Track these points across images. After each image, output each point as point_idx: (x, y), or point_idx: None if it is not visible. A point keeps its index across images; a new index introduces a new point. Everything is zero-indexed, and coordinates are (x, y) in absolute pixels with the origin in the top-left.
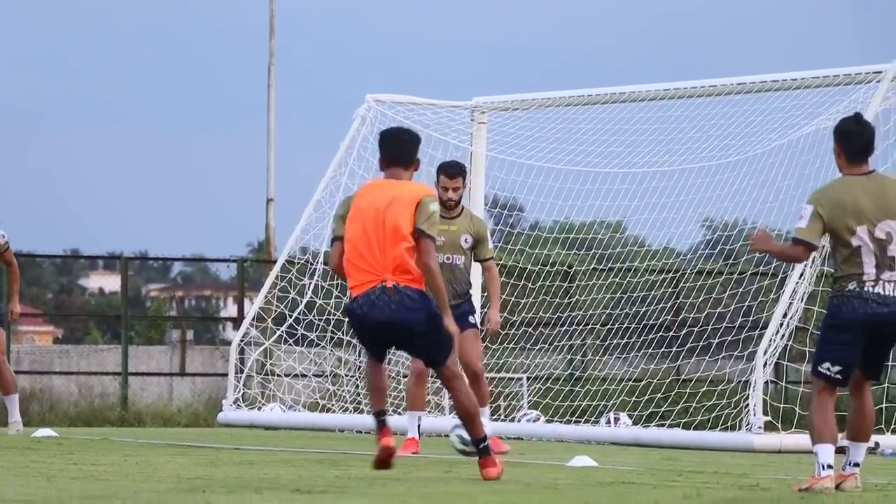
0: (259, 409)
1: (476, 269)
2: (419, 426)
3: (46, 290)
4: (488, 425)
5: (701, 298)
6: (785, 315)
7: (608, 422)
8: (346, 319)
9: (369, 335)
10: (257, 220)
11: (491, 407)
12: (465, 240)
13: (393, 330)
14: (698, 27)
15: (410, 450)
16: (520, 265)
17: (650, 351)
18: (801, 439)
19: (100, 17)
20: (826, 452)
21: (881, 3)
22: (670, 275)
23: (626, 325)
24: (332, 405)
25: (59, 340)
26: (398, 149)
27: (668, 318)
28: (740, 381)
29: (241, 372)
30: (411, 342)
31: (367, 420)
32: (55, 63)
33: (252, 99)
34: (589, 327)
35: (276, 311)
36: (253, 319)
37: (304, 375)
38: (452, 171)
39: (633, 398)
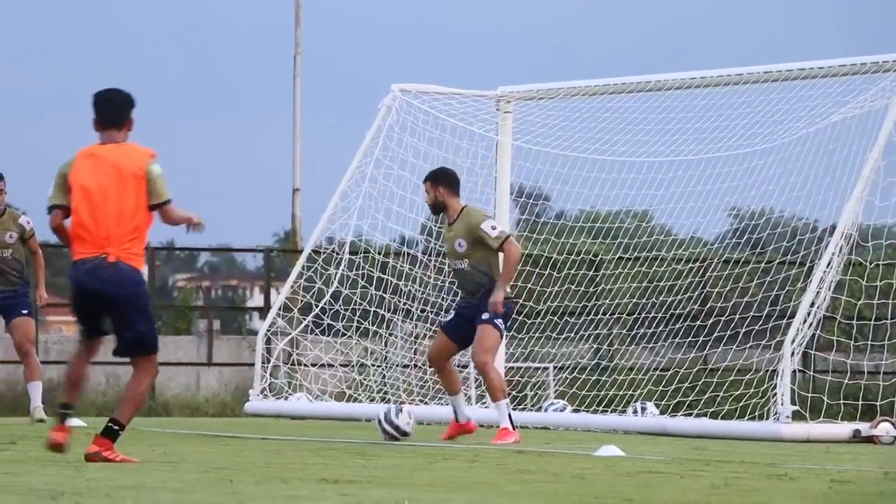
0: (286, 398)
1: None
2: (509, 415)
3: None
4: (464, 408)
5: (728, 287)
6: (812, 304)
7: (635, 411)
8: (373, 309)
9: (80, 302)
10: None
11: (517, 396)
12: (459, 244)
13: (102, 301)
14: (725, 16)
15: (511, 438)
16: (545, 254)
17: (677, 340)
18: (829, 429)
19: (124, 5)
20: None
21: None
22: (697, 264)
23: (652, 314)
24: (359, 395)
25: None
26: (111, 110)
27: (695, 307)
28: (768, 371)
29: (268, 362)
30: (120, 318)
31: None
32: (76, 51)
33: (278, 89)
34: (615, 317)
35: (302, 300)
36: (279, 309)
37: (330, 365)
38: (425, 177)
39: (660, 387)
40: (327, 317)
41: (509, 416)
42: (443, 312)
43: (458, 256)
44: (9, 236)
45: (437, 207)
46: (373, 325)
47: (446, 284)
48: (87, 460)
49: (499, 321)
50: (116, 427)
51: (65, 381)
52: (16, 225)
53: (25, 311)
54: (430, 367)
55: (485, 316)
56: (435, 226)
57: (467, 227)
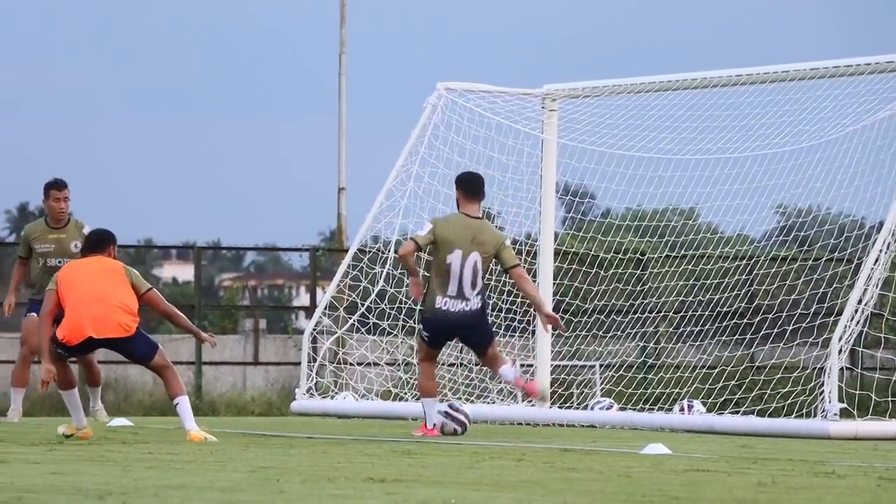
0: (332, 397)
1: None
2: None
3: None
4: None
5: (775, 285)
6: (860, 301)
7: (682, 409)
8: (418, 308)
9: None
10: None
11: (563, 395)
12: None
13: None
14: (770, 13)
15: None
16: (592, 253)
17: (724, 338)
18: (878, 426)
19: (176, 6)
20: None
21: None
22: (744, 261)
23: (699, 312)
24: (405, 393)
25: None
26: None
27: (742, 304)
28: (815, 368)
29: (314, 361)
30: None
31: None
32: (131, 51)
33: (324, 88)
34: (662, 314)
35: (348, 299)
36: (325, 308)
37: (376, 364)
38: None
39: (707, 385)
40: (373, 315)
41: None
42: (494, 312)
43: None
44: (73, 246)
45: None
46: (418, 324)
47: (492, 283)
48: None
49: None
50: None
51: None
52: (80, 235)
53: None
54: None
55: None
56: None
57: (494, 236)
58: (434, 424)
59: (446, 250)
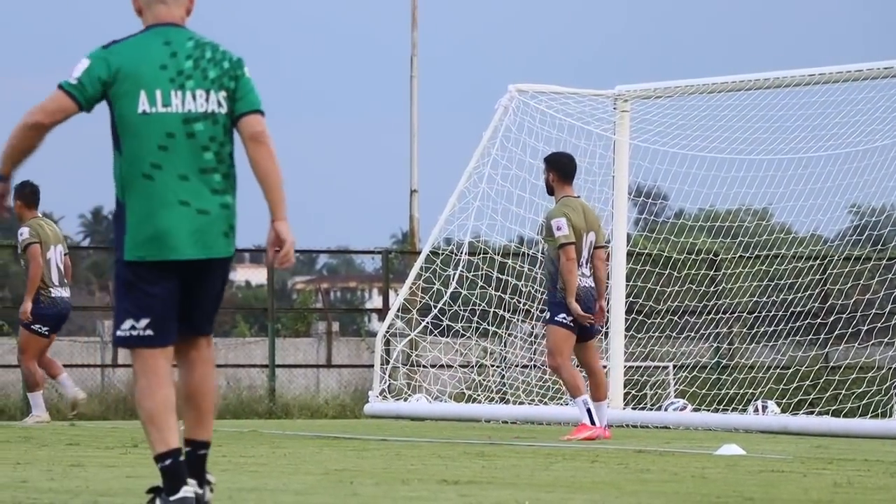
0: (405, 400)
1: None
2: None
3: None
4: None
5: (849, 285)
6: None
7: (756, 410)
8: (492, 310)
9: None
10: (401, 212)
11: (637, 396)
12: (541, 231)
13: None
14: (843, 11)
15: (586, 433)
16: (665, 254)
17: (798, 338)
18: None
19: (250, 6)
20: None
21: None
22: (817, 261)
23: (773, 312)
24: (478, 395)
25: None
26: None
27: (816, 305)
28: (890, 368)
29: (387, 363)
30: None
31: (514, 410)
32: None
33: (395, 90)
34: (735, 315)
35: (420, 301)
36: (398, 311)
37: (449, 366)
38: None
39: (782, 386)
40: (446, 318)
41: (588, 411)
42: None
43: (545, 242)
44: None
45: (549, 189)
46: (492, 326)
47: None
48: None
49: (561, 317)
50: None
51: None
52: None
53: None
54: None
55: (546, 315)
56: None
57: (547, 216)
58: (603, 423)
59: (579, 236)
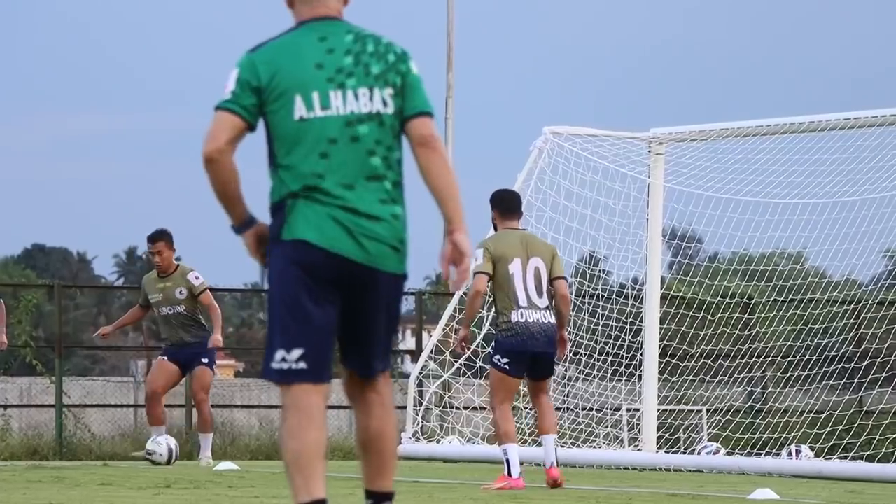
0: (438, 441)
1: None
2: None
3: (228, 323)
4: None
5: (883, 329)
6: None
7: (790, 454)
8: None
9: None
10: (435, 253)
11: (670, 439)
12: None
13: None
14: (879, 57)
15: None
16: (699, 297)
17: (832, 382)
18: None
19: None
20: None
21: None
22: (852, 306)
23: (807, 356)
24: None
25: (240, 374)
26: None
27: (850, 349)
28: None
29: (420, 405)
30: None
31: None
32: None
33: None
34: (769, 359)
35: (454, 344)
36: (431, 352)
37: (482, 408)
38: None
39: (815, 430)
40: (479, 359)
41: (507, 462)
42: (595, 354)
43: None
44: (178, 293)
45: (494, 226)
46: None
47: (599, 327)
48: None
49: (496, 358)
50: None
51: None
52: (185, 281)
53: (205, 361)
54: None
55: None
56: (588, 268)
57: None
58: (520, 474)
59: (505, 263)
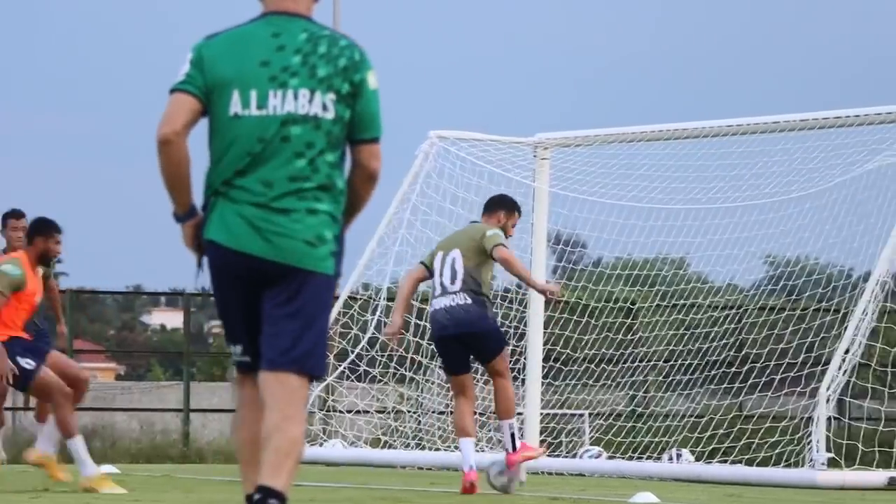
0: (321, 445)
1: None
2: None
3: (109, 326)
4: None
5: (763, 334)
6: (847, 351)
7: (670, 458)
8: (409, 356)
9: None
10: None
11: (553, 443)
12: None
13: None
14: (760, 64)
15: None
16: (582, 302)
17: (713, 387)
18: (865, 476)
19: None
20: None
21: None
22: (733, 311)
23: (688, 361)
24: (394, 441)
25: (121, 377)
26: None
27: (731, 354)
28: (803, 418)
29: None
30: None
31: (429, 456)
32: (137, 97)
33: None
34: (651, 364)
35: (338, 347)
36: None
37: (365, 412)
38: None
39: (696, 434)
40: (363, 363)
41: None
42: None
43: None
44: None
45: None
46: (408, 372)
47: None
48: None
49: None
50: None
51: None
52: None
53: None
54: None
55: None
56: None
57: None
58: (471, 467)
59: (432, 257)
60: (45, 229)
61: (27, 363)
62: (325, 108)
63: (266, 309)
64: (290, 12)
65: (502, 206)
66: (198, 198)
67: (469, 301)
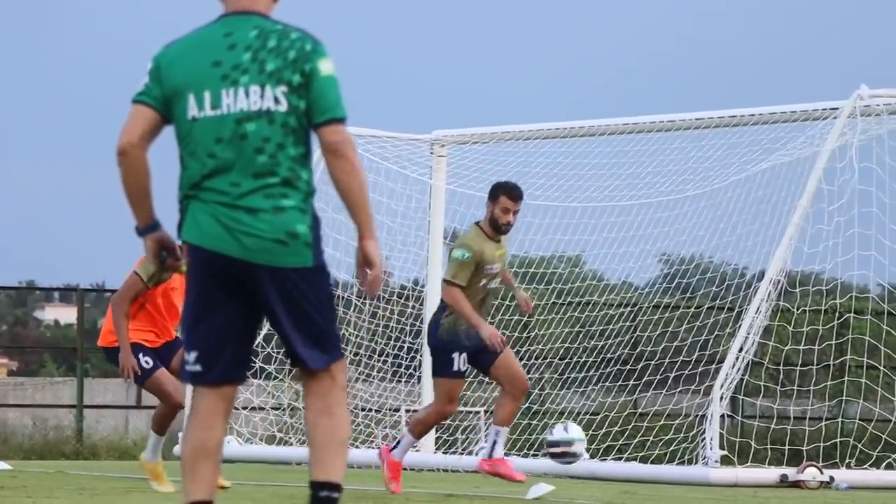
0: None
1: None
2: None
3: (1, 321)
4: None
5: (658, 332)
6: (741, 349)
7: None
8: None
9: None
10: None
11: (448, 440)
12: (507, 262)
13: None
14: (657, 62)
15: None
16: None
17: (608, 384)
18: (757, 473)
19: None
20: None
21: (837, 40)
22: (628, 309)
23: (583, 358)
24: (290, 438)
25: (13, 373)
26: None
27: (626, 351)
28: (697, 415)
29: None
30: None
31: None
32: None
33: None
34: (547, 361)
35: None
36: None
37: (261, 408)
38: (518, 194)
39: (591, 431)
40: (258, 360)
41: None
42: (375, 355)
43: (496, 277)
44: None
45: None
46: None
47: (379, 328)
48: None
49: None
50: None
51: None
52: None
53: None
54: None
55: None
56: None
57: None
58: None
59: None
60: None
61: None
62: (276, 101)
63: (263, 310)
64: (245, 11)
65: (489, 197)
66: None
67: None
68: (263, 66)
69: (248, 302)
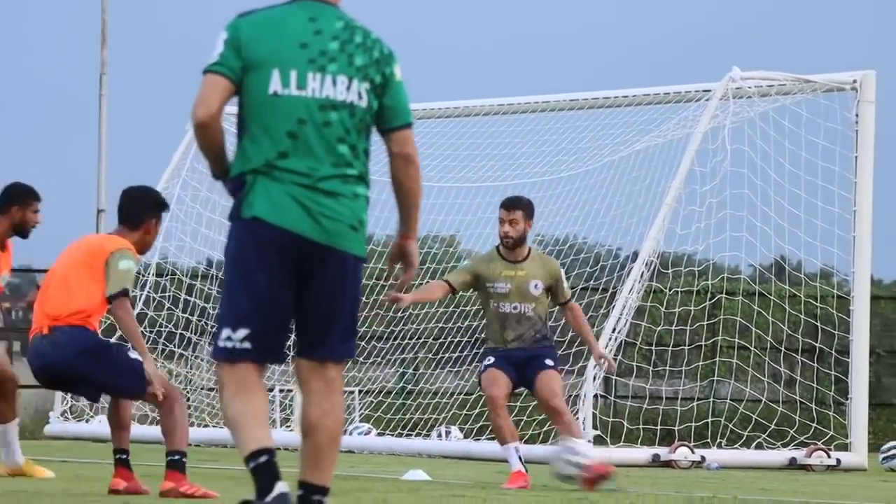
0: (87, 421)
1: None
2: (519, 457)
3: None
4: (589, 451)
5: None
6: (614, 329)
7: (439, 435)
8: (178, 332)
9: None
10: (88, 231)
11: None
12: (536, 286)
13: (54, 374)
14: (530, 43)
15: (518, 483)
16: None
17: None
18: (630, 453)
19: None
20: None
21: (712, 23)
22: None
23: (458, 339)
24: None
25: None
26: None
27: None
28: (571, 395)
29: None
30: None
31: (199, 433)
32: None
33: (83, 109)
34: (421, 341)
35: (106, 322)
36: None
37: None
38: (508, 203)
39: (465, 412)
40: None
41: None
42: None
43: (528, 300)
44: None
45: (517, 242)
46: (178, 348)
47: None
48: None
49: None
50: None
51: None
52: None
53: None
54: (495, 408)
55: (548, 362)
56: None
57: (548, 272)
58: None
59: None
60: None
61: None
62: (360, 96)
63: (319, 294)
64: (324, 0)
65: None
66: None
67: None
68: (352, 59)
69: (298, 286)
